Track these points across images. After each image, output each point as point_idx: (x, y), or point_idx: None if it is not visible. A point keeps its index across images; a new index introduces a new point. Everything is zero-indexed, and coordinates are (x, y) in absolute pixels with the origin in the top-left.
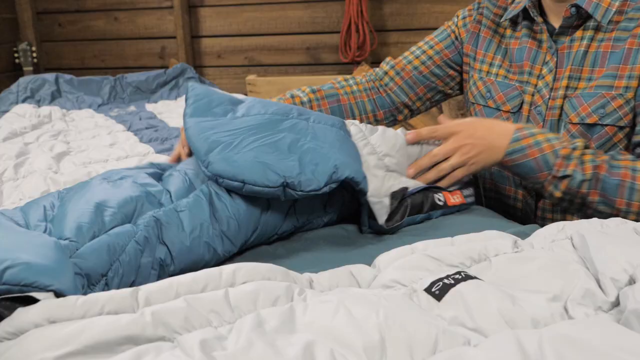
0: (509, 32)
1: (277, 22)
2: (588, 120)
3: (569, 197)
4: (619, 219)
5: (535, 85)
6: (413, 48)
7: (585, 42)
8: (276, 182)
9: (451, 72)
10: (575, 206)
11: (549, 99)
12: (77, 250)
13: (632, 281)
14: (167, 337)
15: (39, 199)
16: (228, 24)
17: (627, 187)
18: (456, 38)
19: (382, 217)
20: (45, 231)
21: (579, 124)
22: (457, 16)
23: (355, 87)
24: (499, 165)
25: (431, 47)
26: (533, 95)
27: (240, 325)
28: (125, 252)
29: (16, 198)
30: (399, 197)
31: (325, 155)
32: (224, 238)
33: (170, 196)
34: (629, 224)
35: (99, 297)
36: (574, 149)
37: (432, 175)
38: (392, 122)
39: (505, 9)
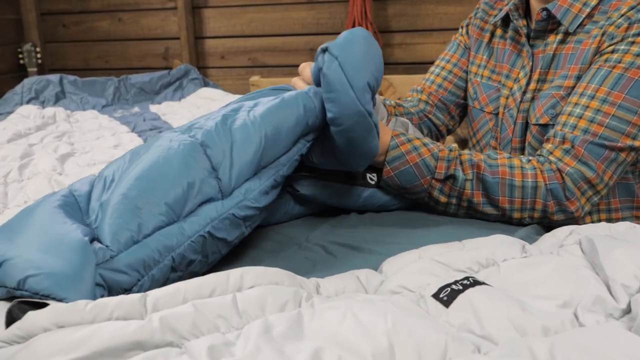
0: (499, 32)
1: (280, 23)
2: (541, 121)
3: (455, 200)
4: (627, 222)
5: (511, 89)
6: (432, 68)
7: (555, 45)
8: None
9: None
10: (463, 210)
11: (520, 102)
12: (111, 257)
13: None
14: (175, 343)
15: (113, 162)
16: (232, 25)
17: (507, 184)
18: (465, 46)
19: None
20: (95, 219)
21: (536, 124)
22: (462, 26)
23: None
24: (383, 184)
25: (448, 62)
26: (507, 98)
27: (248, 330)
28: (157, 268)
29: (21, 200)
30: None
31: None
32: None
33: (231, 168)
34: (638, 227)
35: (107, 303)
36: (450, 150)
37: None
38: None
39: (500, 10)
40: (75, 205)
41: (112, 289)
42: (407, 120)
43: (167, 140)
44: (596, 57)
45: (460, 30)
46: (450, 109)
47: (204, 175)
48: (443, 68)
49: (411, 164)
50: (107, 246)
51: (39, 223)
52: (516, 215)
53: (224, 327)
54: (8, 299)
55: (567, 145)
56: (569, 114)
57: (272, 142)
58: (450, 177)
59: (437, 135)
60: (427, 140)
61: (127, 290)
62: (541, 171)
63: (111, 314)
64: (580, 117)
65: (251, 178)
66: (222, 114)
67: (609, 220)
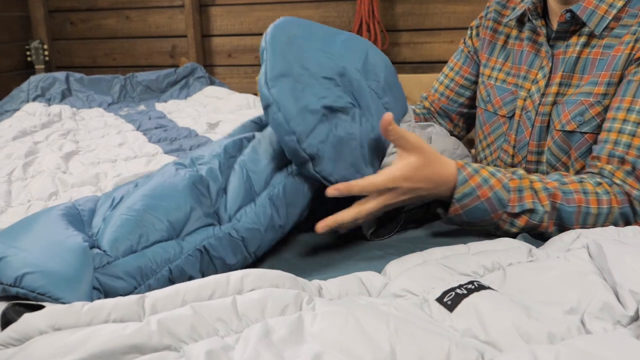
0: (514, 32)
1: None
2: (567, 128)
3: (527, 230)
4: (636, 227)
5: (529, 90)
6: (439, 75)
7: (578, 48)
8: None
9: (474, 87)
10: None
11: (539, 104)
12: (107, 263)
13: None
14: (173, 347)
15: (122, 185)
16: (239, 23)
17: (583, 212)
18: (469, 51)
19: (366, 229)
20: (97, 232)
21: (560, 131)
22: (471, 27)
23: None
24: (445, 219)
25: (451, 69)
26: (525, 100)
27: (248, 334)
28: (155, 278)
29: (24, 198)
30: (389, 212)
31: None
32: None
33: (226, 203)
34: None
35: (104, 304)
36: (520, 178)
37: (349, 215)
38: None
39: (514, 9)
40: (78, 217)
41: (108, 294)
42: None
43: (173, 168)
44: (633, 66)
45: (469, 31)
46: (452, 117)
47: (205, 207)
48: (447, 76)
49: (482, 199)
50: (104, 251)
51: (41, 228)
52: None
53: (223, 331)
54: (3, 297)
55: (628, 167)
56: (619, 132)
57: (254, 173)
58: (527, 212)
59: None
60: (492, 168)
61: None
62: (614, 195)
63: (108, 316)
64: (634, 135)
65: (247, 205)
66: (224, 153)
67: None
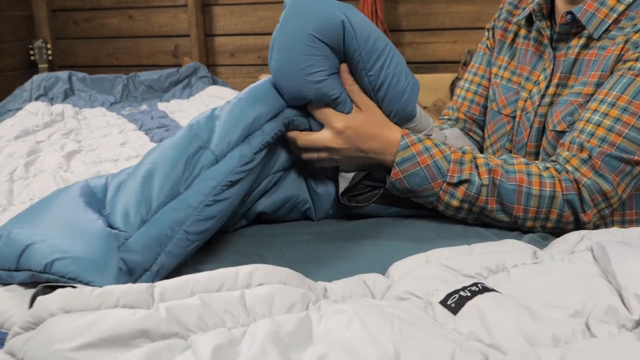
0: (523, 31)
1: None
2: (558, 128)
3: (467, 205)
4: None
5: (530, 92)
6: (461, 83)
7: (577, 49)
8: None
9: None
10: (473, 215)
11: (538, 105)
12: (126, 240)
13: None
14: (181, 334)
15: (128, 168)
16: (242, 22)
17: (524, 192)
18: (490, 53)
19: (340, 188)
20: (109, 210)
21: (553, 131)
22: (487, 29)
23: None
24: (390, 186)
25: (475, 74)
26: (525, 101)
27: (254, 329)
28: (172, 243)
29: (26, 197)
30: (361, 177)
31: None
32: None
33: (219, 135)
34: None
35: (114, 290)
36: (464, 152)
37: (293, 150)
38: None
39: (524, 9)
40: (93, 196)
41: (133, 271)
42: (445, 134)
43: (168, 138)
44: (619, 64)
45: (486, 33)
46: (489, 126)
47: (199, 150)
48: (472, 82)
49: (422, 166)
50: (118, 228)
51: (61, 210)
52: (528, 224)
53: (231, 323)
54: (32, 283)
55: (584, 155)
56: (587, 121)
57: (250, 109)
58: (465, 182)
59: (480, 150)
60: (438, 140)
61: (147, 270)
62: (559, 180)
63: (117, 301)
64: (599, 125)
65: (241, 143)
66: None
67: None
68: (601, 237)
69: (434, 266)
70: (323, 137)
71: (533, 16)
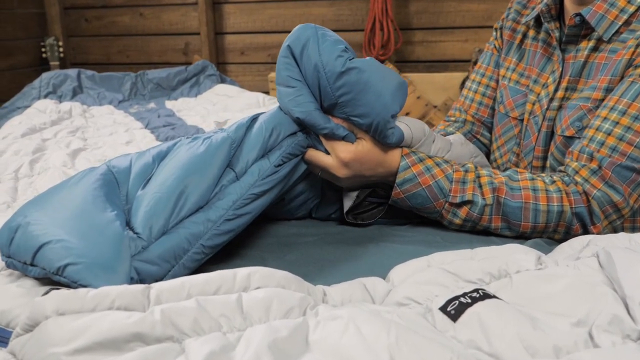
0: (532, 32)
1: (301, 19)
2: (567, 133)
3: (470, 224)
4: None
5: (538, 94)
6: (468, 84)
7: (586, 52)
8: None
9: None
10: (478, 230)
11: (547, 109)
12: (143, 249)
13: None
14: (176, 338)
15: (149, 149)
16: (252, 20)
17: (531, 209)
18: (498, 53)
19: (345, 207)
20: (131, 209)
21: (561, 136)
22: (495, 29)
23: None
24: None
25: (483, 75)
26: (533, 104)
27: (250, 334)
28: (187, 256)
29: (29, 195)
30: (365, 195)
31: None
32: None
33: (242, 153)
34: None
35: (110, 292)
36: (467, 171)
37: (308, 154)
38: None
39: (533, 9)
40: (114, 184)
41: (145, 282)
42: (450, 140)
43: (200, 140)
44: (630, 69)
45: (494, 33)
46: (497, 128)
47: (225, 168)
48: (480, 83)
49: (423, 186)
50: (138, 234)
51: (80, 205)
52: (535, 236)
53: (226, 327)
54: (45, 279)
55: (594, 165)
56: (597, 129)
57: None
58: (468, 202)
59: (488, 152)
60: (439, 159)
61: (157, 281)
62: (567, 194)
63: (112, 303)
64: (609, 134)
65: (260, 159)
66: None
67: None
68: (607, 242)
69: (434, 271)
70: (329, 162)
71: (541, 17)
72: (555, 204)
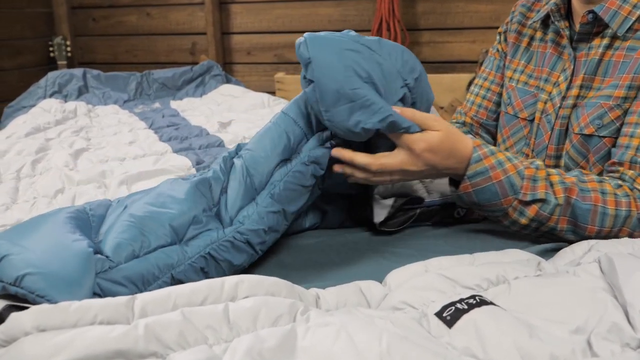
0: (539, 34)
1: (307, 19)
2: (586, 131)
3: (535, 224)
4: None
5: (550, 93)
6: (472, 87)
7: (601, 50)
8: None
9: None
10: (539, 233)
11: (560, 107)
12: (109, 268)
13: None
14: (160, 353)
15: (136, 193)
16: (258, 20)
17: (599, 212)
18: (500, 58)
19: (378, 217)
20: (103, 237)
21: (579, 134)
22: (499, 33)
23: None
24: (455, 196)
25: (485, 79)
26: (545, 103)
27: (236, 345)
28: (157, 284)
29: (30, 196)
30: (402, 203)
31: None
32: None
33: (226, 203)
34: None
35: (92, 305)
36: (537, 168)
37: (360, 175)
38: None
39: (539, 12)
40: (87, 222)
41: None
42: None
43: (180, 180)
44: None
45: (498, 37)
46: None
47: (207, 209)
48: (481, 87)
49: (494, 181)
50: (107, 257)
51: (48, 228)
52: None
53: (212, 339)
54: (3, 296)
55: None
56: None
57: (253, 169)
58: (539, 201)
59: None
60: (509, 153)
61: None
62: (634, 199)
63: (95, 317)
64: None
65: (247, 205)
66: (223, 156)
67: None
68: (610, 248)
69: (432, 276)
70: (399, 160)
71: (551, 16)
72: (624, 208)
